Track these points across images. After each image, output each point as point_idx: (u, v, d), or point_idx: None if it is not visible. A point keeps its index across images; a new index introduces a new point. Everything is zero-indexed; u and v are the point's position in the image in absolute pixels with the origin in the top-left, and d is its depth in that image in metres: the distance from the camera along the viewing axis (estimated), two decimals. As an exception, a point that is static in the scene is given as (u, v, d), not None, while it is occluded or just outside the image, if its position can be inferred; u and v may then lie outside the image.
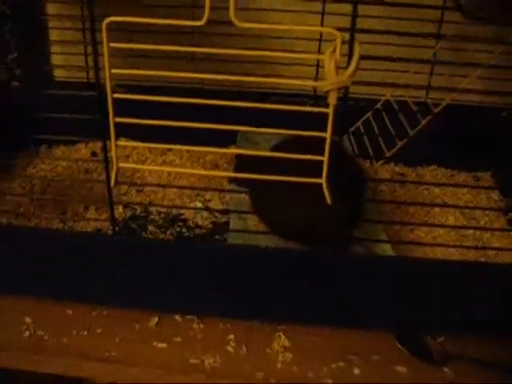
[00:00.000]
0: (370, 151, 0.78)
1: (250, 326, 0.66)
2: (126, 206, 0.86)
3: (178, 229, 0.82)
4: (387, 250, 0.65)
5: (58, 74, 1.13)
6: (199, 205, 0.86)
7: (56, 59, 1.12)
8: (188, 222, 0.84)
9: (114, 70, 0.48)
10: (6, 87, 1.01)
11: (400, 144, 0.71)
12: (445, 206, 0.84)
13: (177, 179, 0.93)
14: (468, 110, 0.94)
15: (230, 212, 0.76)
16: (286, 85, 0.50)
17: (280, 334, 0.65)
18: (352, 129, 0.89)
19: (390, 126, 0.79)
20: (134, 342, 0.64)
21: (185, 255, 0.62)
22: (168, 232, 0.81)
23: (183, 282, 0.65)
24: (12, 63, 1.03)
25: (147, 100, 0.50)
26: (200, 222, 0.84)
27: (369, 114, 0.89)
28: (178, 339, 0.65)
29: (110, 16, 0.45)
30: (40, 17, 1.05)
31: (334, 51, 0.45)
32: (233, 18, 0.44)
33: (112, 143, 0.51)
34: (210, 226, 0.83)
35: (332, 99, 0.45)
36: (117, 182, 0.53)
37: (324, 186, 0.51)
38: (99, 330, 0.66)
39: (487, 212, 0.87)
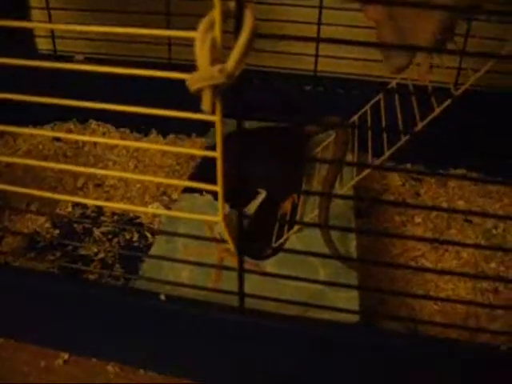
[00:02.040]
0: (370, 147, 0.58)
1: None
2: (77, 203, 0.74)
3: (128, 236, 0.69)
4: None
5: (42, 45, 1.02)
6: (154, 207, 0.71)
7: (39, 29, 1.00)
8: (143, 228, 0.70)
9: None
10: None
11: (403, 141, 0.51)
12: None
13: (143, 172, 0.79)
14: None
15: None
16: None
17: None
18: (354, 118, 0.70)
19: (399, 116, 0.58)
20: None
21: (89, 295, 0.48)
22: (115, 240, 0.68)
23: (103, 321, 0.51)
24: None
25: None
26: (157, 228, 0.70)
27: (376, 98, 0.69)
28: (82, 387, 0.52)
29: None
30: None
31: (212, 27, 0.28)
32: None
33: None
34: (168, 233, 0.68)
35: (205, 102, 0.29)
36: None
37: (222, 223, 0.35)
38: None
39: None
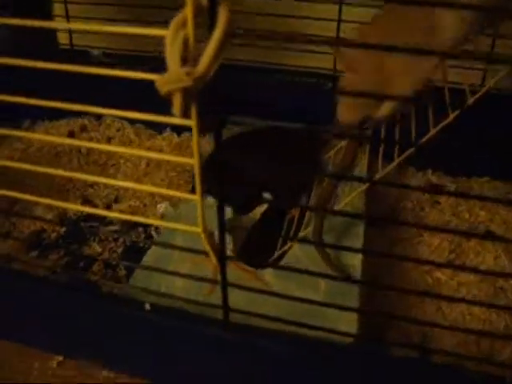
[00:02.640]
0: (380, 154, 0.54)
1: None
2: (86, 201, 0.73)
3: (134, 237, 0.67)
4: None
5: (63, 40, 1.01)
6: (162, 208, 0.70)
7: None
8: (149, 228, 0.69)
9: None
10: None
11: (410, 151, 0.48)
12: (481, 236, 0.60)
13: (155, 171, 0.78)
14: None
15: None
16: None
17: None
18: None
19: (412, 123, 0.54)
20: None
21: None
22: (120, 240, 0.67)
23: (92, 328, 0.49)
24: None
25: None
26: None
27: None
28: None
29: None
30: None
31: (184, 25, 0.26)
32: None
33: None
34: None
35: (175, 106, 0.27)
36: None
37: (203, 236, 0.33)
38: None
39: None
